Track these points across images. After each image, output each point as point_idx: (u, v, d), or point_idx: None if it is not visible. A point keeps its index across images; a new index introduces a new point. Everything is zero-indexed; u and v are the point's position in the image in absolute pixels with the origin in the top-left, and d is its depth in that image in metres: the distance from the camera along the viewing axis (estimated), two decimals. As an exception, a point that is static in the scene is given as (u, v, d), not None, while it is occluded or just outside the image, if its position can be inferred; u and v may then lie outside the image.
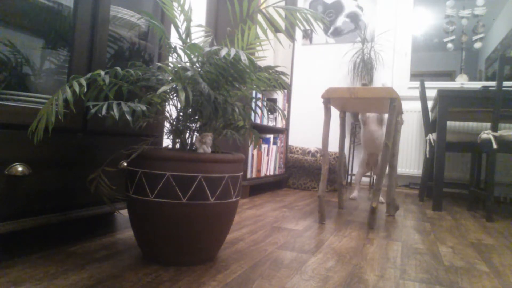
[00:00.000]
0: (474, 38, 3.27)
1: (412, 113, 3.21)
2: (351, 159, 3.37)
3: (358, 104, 1.80)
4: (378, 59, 3.34)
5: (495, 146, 1.97)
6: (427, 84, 3.24)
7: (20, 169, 0.91)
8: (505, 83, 2.98)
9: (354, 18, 3.43)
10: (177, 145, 1.10)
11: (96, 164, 1.16)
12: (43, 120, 0.82)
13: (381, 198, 2.51)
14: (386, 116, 2.26)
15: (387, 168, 1.75)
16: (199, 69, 1.03)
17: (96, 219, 1.43)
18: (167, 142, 2.21)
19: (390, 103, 1.60)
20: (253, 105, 2.05)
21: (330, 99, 1.70)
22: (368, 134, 2.34)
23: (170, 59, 1.53)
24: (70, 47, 1.08)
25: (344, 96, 1.64)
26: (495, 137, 1.99)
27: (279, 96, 2.78)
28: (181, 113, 1.05)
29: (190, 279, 0.87)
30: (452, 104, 2.25)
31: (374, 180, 3.35)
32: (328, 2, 3.53)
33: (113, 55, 1.35)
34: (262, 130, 2.70)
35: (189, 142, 1.08)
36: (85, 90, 0.89)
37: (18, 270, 0.86)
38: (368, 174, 3.37)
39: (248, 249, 1.16)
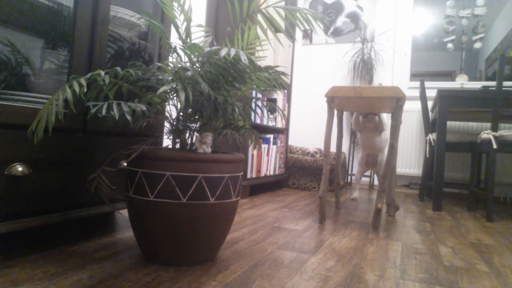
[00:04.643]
0: (474, 38, 3.27)
1: (412, 113, 3.21)
2: (351, 159, 3.37)
3: (362, 104, 1.79)
4: (378, 59, 3.34)
5: (495, 146, 1.97)
6: (427, 84, 3.24)
7: (20, 169, 0.91)
8: (505, 83, 2.98)
9: (354, 18, 3.43)
10: (177, 145, 1.10)
11: (96, 164, 1.16)
12: (43, 120, 0.82)
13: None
14: (383, 117, 2.26)
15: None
16: (199, 69, 1.03)
17: (96, 219, 1.43)
18: (167, 142, 2.21)
19: (397, 103, 1.59)
20: (253, 105, 2.05)
21: (334, 98, 1.69)
22: (365, 140, 2.33)
23: (170, 59, 1.53)
24: (70, 47, 1.08)
25: (349, 95, 1.63)
26: (495, 137, 1.99)
27: (279, 96, 2.78)
28: (181, 113, 1.05)
29: (190, 279, 0.87)
30: (452, 104, 2.24)
31: (374, 180, 3.35)
32: (328, 2, 3.53)
33: (113, 55, 1.35)
34: (262, 130, 2.70)
35: (189, 142, 1.08)
36: (85, 90, 0.89)
37: (18, 270, 0.86)
38: (368, 174, 3.37)
39: (248, 249, 1.16)
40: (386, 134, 2.37)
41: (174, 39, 2.16)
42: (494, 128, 2.02)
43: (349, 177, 3.35)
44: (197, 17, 2.40)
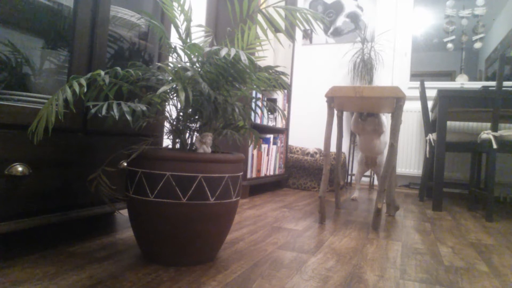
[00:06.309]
0: (474, 38, 3.27)
1: (412, 113, 3.21)
2: (351, 159, 3.37)
3: (362, 104, 1.79)
4: (378, 59, 3.34)
5: (495, 146, 1.97)
6: (427, 84, 3.24)
7: (20, 169, 0.91)
8: (505, 83, 2.98)
9: (354, 18, 3.43)
10: (177, 145, 1.10)
11: (96, 164, 1.16)
12: (43, 120, 0.82)
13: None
14: (383, 118, 2.26)
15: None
16: (199, 69, 1.03)
17: (96, 219, 1.43)
18: (167, 142, 2.21)
19: (397, 103, 1.59)
20: (253, 105, 2.05)
21: (334, 98, 1.69)
22: (363, 143, 2.33)
23: (170, 59, 1.53)
24: (70, 47, 1.08)
25: (349, 95, 1.63)
26: (495, 137, 1.99)
27: (279, 96, 2.78)
28: (181, 113, 1.05)
29: (190, 279, 0.87)
30: (452, 104, 2.24)
31: (374, 180, 3.35)
32: (328, 2, 3.53)
33: (113, 55, 1.35)
34: (262, 130, 2.70)
35: (189, 142, 1.08)
36: (85, 90, 0.89)
37: (18, 270, 0.86)
38: (368, 173, 3.37)
39: (248, 249, 1.16)
40: (386, 136, 2.37)
41: (174, 39, 2.16)
42: (494, 128, 2.02)
43: (349, 177, 3.35)
44: (197, 17, 2.40)
